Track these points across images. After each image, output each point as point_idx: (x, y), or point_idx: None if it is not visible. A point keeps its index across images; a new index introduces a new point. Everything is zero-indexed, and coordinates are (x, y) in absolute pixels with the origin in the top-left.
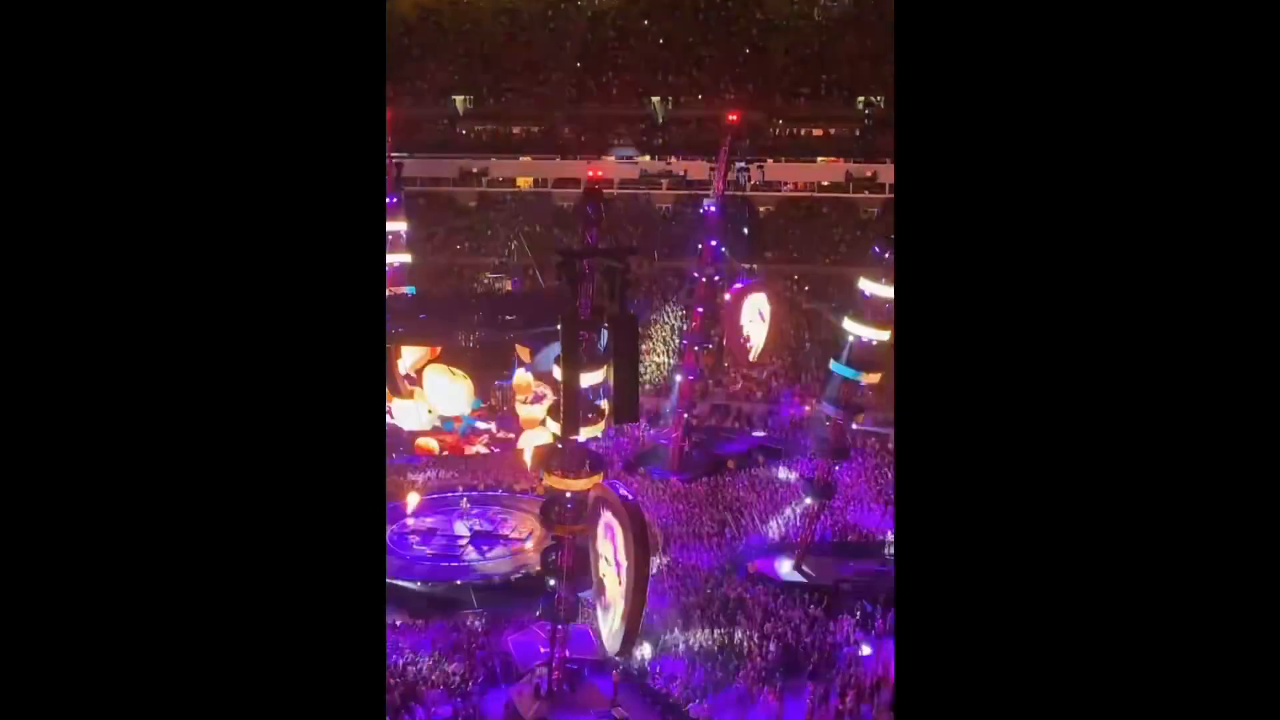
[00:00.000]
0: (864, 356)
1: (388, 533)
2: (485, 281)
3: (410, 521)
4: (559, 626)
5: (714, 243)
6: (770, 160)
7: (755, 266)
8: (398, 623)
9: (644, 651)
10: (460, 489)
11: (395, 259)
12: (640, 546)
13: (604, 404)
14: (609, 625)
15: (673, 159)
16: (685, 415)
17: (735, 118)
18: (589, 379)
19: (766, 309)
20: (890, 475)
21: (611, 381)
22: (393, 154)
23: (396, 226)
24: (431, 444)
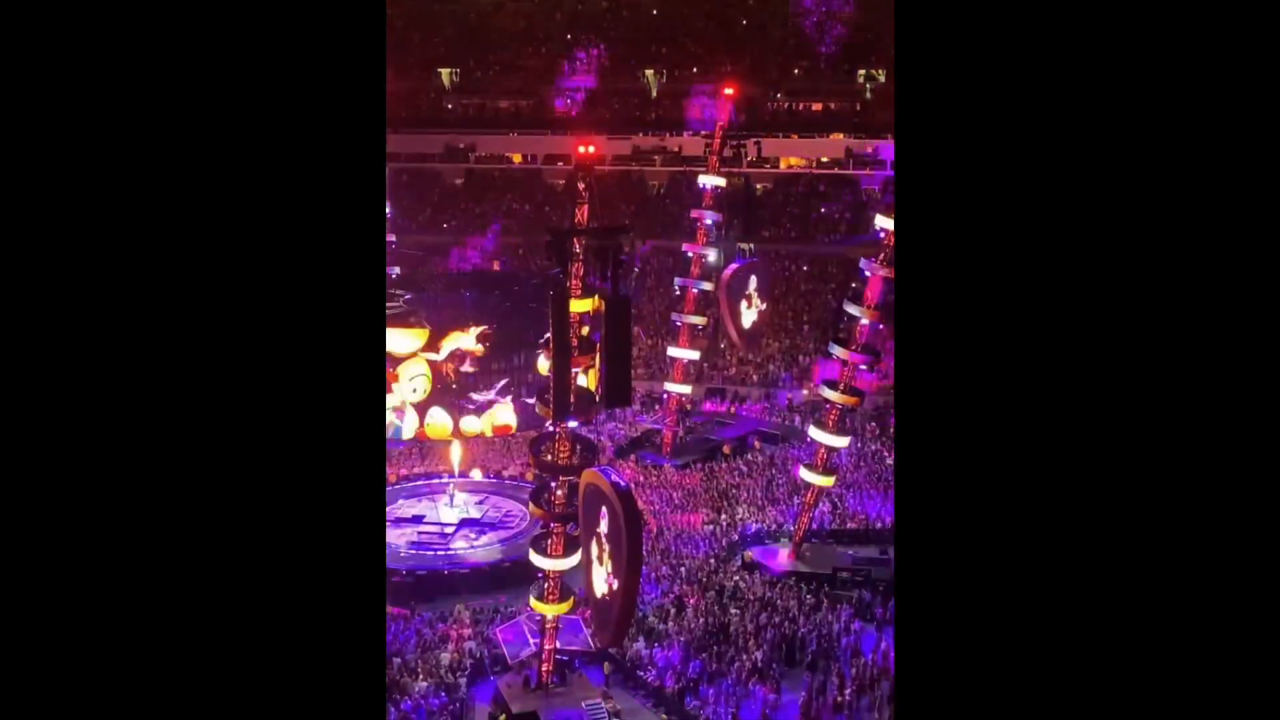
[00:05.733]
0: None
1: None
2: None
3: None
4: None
5: (709, 221)
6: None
7: (752, 246)
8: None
9: (636, 642)
10: (445, 475)
11: None
12: (632, 535)
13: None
14: (599, 615)
15: (666, 134)
16: (679, 399)
17: (732, 91)
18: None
19: (764, 290)
20: (889, 460)
21: (604, 365)
22: None
23: None
24: None
